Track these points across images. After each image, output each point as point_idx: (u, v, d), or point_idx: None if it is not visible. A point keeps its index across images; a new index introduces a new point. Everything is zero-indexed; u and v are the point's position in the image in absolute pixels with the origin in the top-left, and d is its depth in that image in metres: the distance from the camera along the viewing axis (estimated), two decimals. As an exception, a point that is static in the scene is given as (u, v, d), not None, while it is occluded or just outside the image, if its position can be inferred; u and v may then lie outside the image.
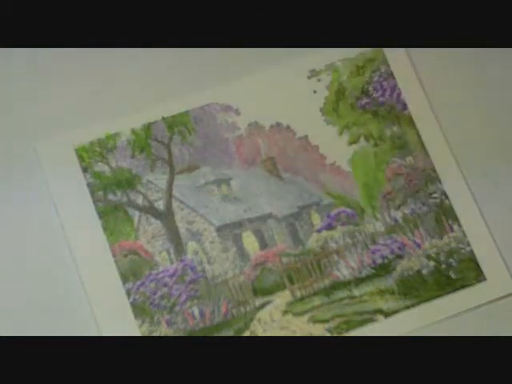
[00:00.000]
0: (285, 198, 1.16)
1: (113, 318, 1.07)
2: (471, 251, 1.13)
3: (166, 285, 1.10)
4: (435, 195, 1.15)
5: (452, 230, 1.14)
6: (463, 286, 1.12)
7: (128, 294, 1.09)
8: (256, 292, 1.11)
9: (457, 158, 1.16)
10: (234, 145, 1.16)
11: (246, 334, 1.09)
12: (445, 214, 1.15)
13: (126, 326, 1.08)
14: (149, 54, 1.14)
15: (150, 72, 1.15)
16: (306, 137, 1.17)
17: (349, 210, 1.15)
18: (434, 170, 1.16)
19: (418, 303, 1.11)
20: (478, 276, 1.12)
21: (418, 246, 1.14)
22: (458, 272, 1.12)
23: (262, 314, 1.10)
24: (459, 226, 1.14)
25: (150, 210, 1.13)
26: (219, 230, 1.13)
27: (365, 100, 1.19)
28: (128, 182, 1.13)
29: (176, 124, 1.15)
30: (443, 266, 1.12)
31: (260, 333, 1.09)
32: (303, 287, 1.12)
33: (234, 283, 1.11)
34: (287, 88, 1.17)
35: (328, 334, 1.09)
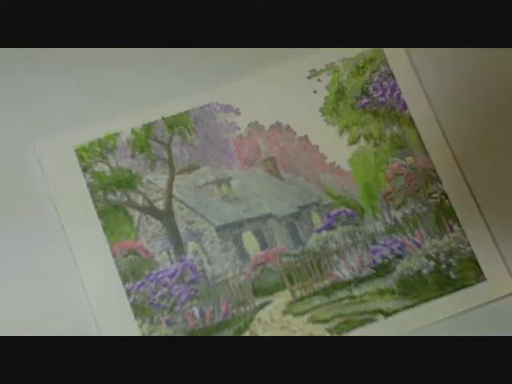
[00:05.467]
0: (285, 198, 1.16)
1: (113, 317, 1.08)
2: (471, 251, 1.13)
3: (166, 285, 1.10)
4: (435, 195, 1.16)
5: (452, 229, 1.14)
6: (463, 286, 1.12)
7: (128, 294, 1.09)
8: (256, 292, 1.11)
9: (457, 158, 1.16)
10: (234, 145, 1.16)
11: (246, 334, 1.09)
12: (445, 214, 1.15)
13: (126, 325, 1.08)
14: (149, 53, 1.14)
15: (150, 72, 1.15)
16: (306, 137, 1.17)
17: (349, 210, 1.15)
18: (434, 170, 1.16)
19: (418, 303, 1.11)
20: (478, 276, 1.12)
21: (418, 246, 1.14)
22: (458, 272, 1.12)
23: (262, 314, 1.11)
24: (459, 226, 1.14)
25: (150, 209, 1.13)
26: (219, 230, 1.13)
27: (365, 100, 1.19)
28: (128, 182, 1.13)
29: (176, 124, 1.15)
30: (443, 266, 1.12)
31: (260, 333, 1.09)
32: (303, 287, 1.12)
33: (234, 283, 1.11)
34: (287, 88, 1.17)
35: (328, 334, 1.09)
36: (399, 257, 1.13)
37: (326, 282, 1.12)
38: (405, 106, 1.18)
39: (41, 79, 1.14)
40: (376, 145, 1.17)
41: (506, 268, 1.13)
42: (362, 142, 1.17)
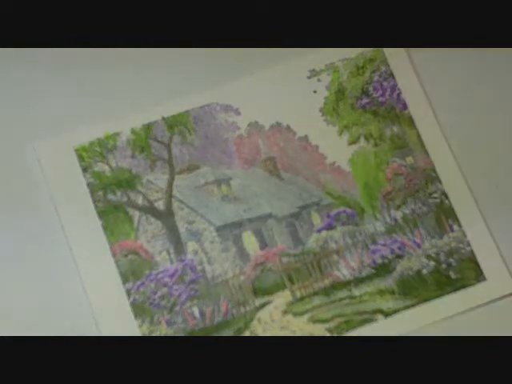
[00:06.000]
0: (285, 198, 1.16)
1: (113, 318, 1.07)
2: (471, 251, 1.13)
3: (166, 285, 1.10)
4: (435, 195, 1.15)
5: (452, 229, 1.14)
6: (463, 286, 1.12)
7: (128, 293, 1.09)
8: (256, 292, 1.11)
9: (457, 158, 1.16)
10: (234, 145, 1.16)
11: (246, 334, 1.09)
12: (445, 214, 1.15)
13: (126, 325, 1.08)
14: (149, 54, 1.14)
15: (150, 72, 1.15)
16: (306, 137, 1.17)
17: (349, 210, 1.15)
18: (434, 170, 1.16)
19: (418, 303, 1.11)
20: (478, 276, 1.12)
21: (418, 245, 1.14)
22: (457, 272, 1.12)
23: (262, 314, 1.10)
24: (459, 226, 1.14)
25: (150, 209, 1.13)
26: (219, 229, 1.13)
27: (365, 100, 1.19)
28: (128, 182, 1.13)
29: (176, 124, 1.15)
30: (443, 266, 1.12)
31: (260, 333, 1.09)
32: (303, 287, 1.12)
33: (234, 283, 1.11)
34: (287, 88, 1.17)
35: (328, 334, 1.09)
36: (399, 257, 1.13)
37: (326, 282, 1.12)
38: (405, 106, 1.18)
39: (41, 79, 1.14)
40: (376, 145, 1.17)
41: (506, 268, 1.13)
42: (362, 141, 1.17)
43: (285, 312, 1.11)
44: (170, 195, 1.13)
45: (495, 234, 1.13)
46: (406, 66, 1.19)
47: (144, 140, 1.14)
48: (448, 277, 1.12)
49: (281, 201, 1.16)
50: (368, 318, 1.11)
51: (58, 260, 1.08)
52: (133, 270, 1.10)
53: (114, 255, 1.10)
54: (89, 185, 1.11)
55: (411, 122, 1.17)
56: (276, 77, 1.17)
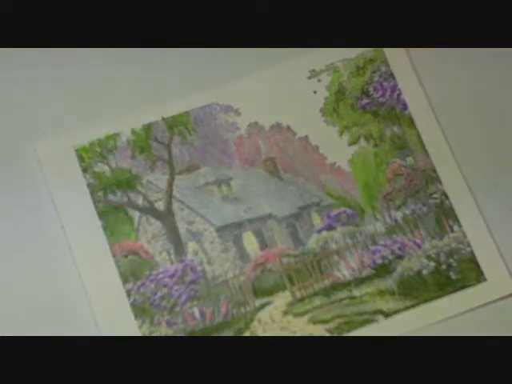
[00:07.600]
0: (285, 198, 1.16)
1: (113, 318, 1.07)
2: (471, 252, 1.13)
3: (166, 285, 1.10)
4: (435, 196, 1.15)
5: (452, 230, 1.14)
6: (463, 287, 1.12)
7: (128, 294, 1.09)
8: (256, 292, 1.11)
9: (457, 158, 1.16)
10: (234, 145, 1.16)
11: (246, 334, 1.09)
12: (445, 215, 1.15)
13: (126, 326, 1.08)
14: (149, 53, 1.14)
15: (150, 72, 1.15)
16: (306, 137, 1.17)
17: (349, 211, 1.15)
18: (434, 171, 1.16)
19: (418, 304, 1.11)
20: (479, 276, 1.12)
21: (418, 246, 1.14)
22: (458, 272, 1.12)
23: (263, 315, 1.10)
24: (459, 226, 1.14)
25: (150, 210, 1.13)
26: (219, 230, 1.13)
27: (365, 100, 1.19)
28: (128, 183, 1.13)
29: (176, 124, 1.15)
30: (443, 267, 1.12)
31: (260, 333, 1.09)
32: (303, 288, 1.12)
33: (234, 284, 1.11)
34: (287, 88, 1.17)
35: (328, 335, 1.09)
36: (399, 257, 1.13)
37: (326, 283, 1.12)
38: (405, 107, 1.18)
39: (41, 79, 1.14)
40: (376, 145, 1.17)
41: (506, 268, 1.13)
42: (362, 142, 1.17)
43: (285, 313, 1.11)
44: (170, 196, 1.13)
45: (495, 234, 1.13)
46: (406, 66, 1.19)
47: (144, 140, 1.14)
48: (448, 277, 1.12)
49: (281, 201, 1.16)
50: (368, 319, 1.10)
51: (58, 260, 1.08)
52: (133, 270, 1.10)
53: (114, 256, 1.10)
54: (89, 185, 1.12)
55: (411, 122, 1.17)
56: (276, 77, 1.17)
